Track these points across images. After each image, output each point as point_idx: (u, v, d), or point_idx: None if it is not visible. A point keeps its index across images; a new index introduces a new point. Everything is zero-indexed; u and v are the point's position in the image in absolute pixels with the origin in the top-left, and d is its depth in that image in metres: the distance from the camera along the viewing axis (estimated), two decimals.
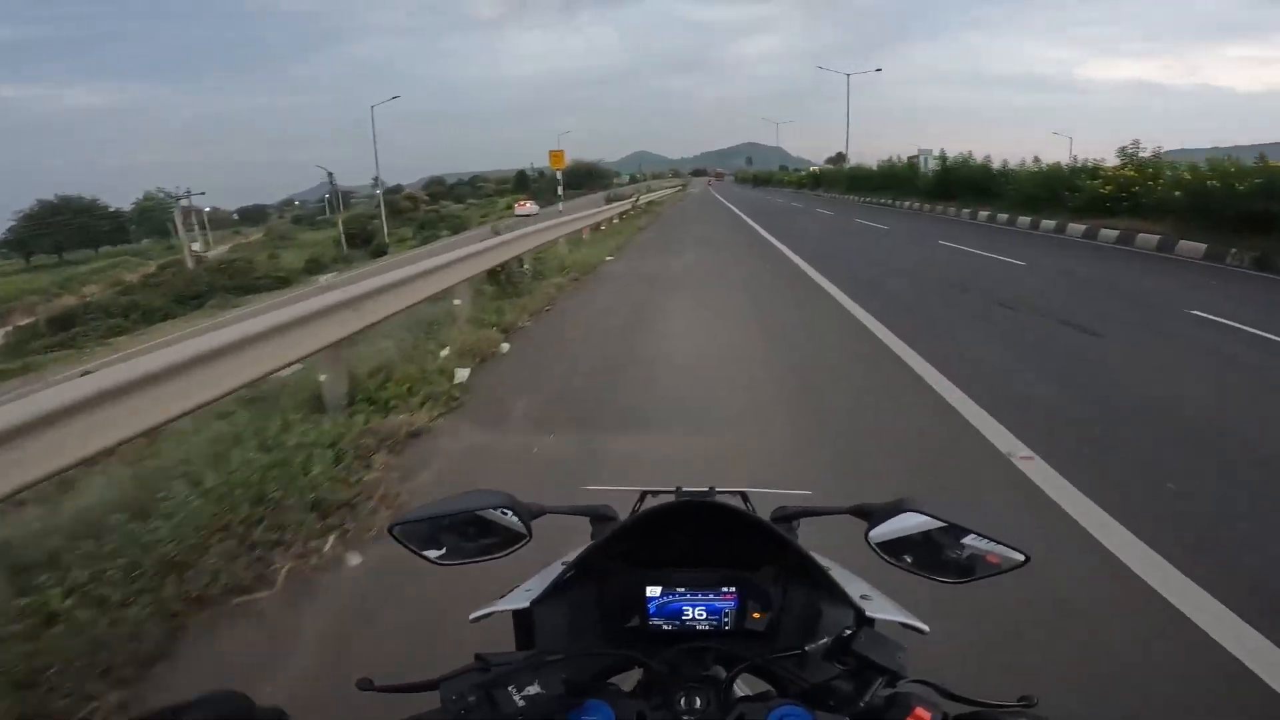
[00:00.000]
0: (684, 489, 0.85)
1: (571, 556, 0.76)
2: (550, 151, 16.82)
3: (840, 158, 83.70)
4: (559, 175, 17.34)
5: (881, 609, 0.69)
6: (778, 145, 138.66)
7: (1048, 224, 15.58)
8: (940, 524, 0.67)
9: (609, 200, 21.83)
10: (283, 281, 27.30)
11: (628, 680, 0.71)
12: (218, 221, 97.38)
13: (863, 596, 0.70)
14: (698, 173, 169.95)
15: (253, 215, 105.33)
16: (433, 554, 0.74)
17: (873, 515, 0.71)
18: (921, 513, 0.68)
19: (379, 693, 0.59)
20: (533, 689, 0.58)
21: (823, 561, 0.73)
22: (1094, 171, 15.80)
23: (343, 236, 45.43)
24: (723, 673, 0.66)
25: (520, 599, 0.73)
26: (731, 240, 14.44)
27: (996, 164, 21.46)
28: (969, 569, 0.68)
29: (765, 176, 76.86)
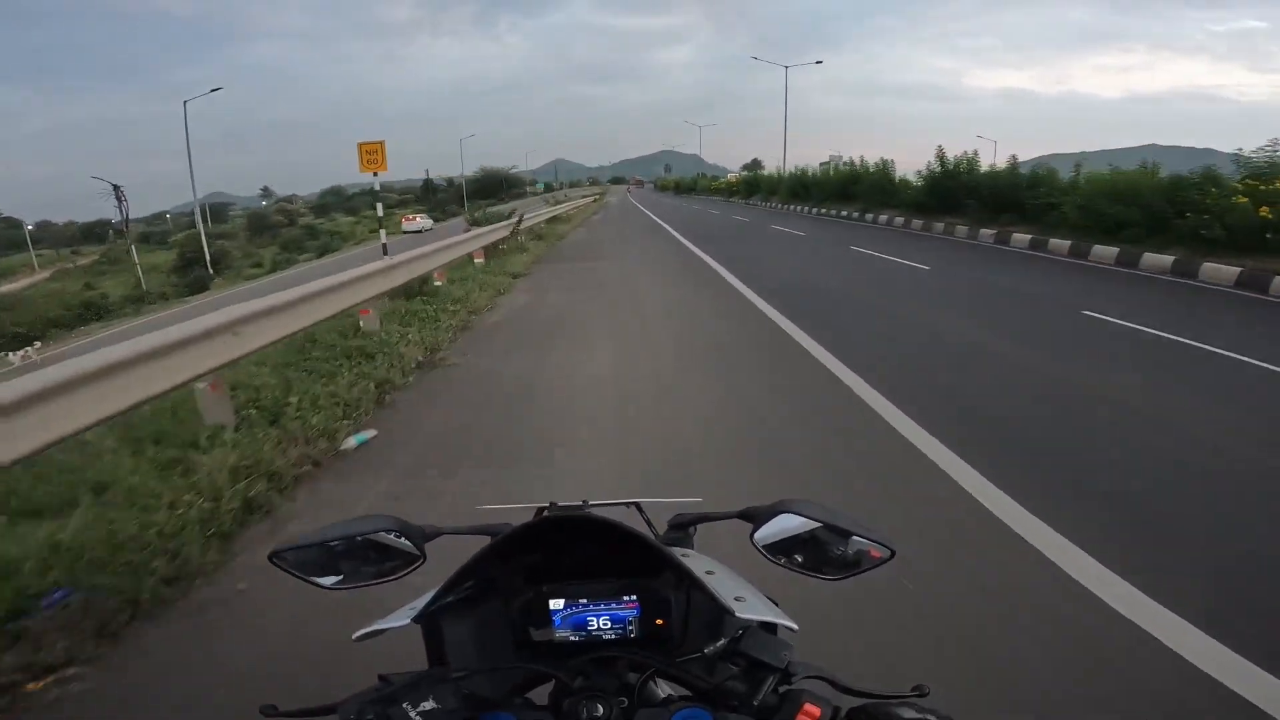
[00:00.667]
0: (558, 504, 0.87)
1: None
2: (360, 145, 9.59)
3: (756, 164, 79.96)
4: (377, 184, 9.99)
5: (752, 610, 0.69)
6: (695, 153, 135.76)
7: (1155, 261, 9.95)
8: (817, 524, 0.73)
9: (475, 224, 14.47)
10: (19, 341, 18.32)
11: (542, 696, 0.70)
12: (64, 239, 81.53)
13: (737, 599, 0.70)
14: (616, 180, 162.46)
15: (99, 232, 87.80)
16: (327, 580, 0.74)
17: (756, 518, 0.76)
18: (796, 513, 0.73)
19: (281, 718, 0.60)
20: (428, 704, 0.59)
21: (707, 565, 0.77)
22: (1220, 183, 10.29)
23: (140, 271, 35.81)
24: (635, 679, 0.67)
25: (404, 617, 0.72)
26: (681, 301, 7.68)
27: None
28: (849, 564, 0.74)
29: (690, 183, 66.21)
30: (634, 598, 0.73)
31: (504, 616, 0.75)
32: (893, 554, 0.72)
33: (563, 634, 0.73)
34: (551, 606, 0.72)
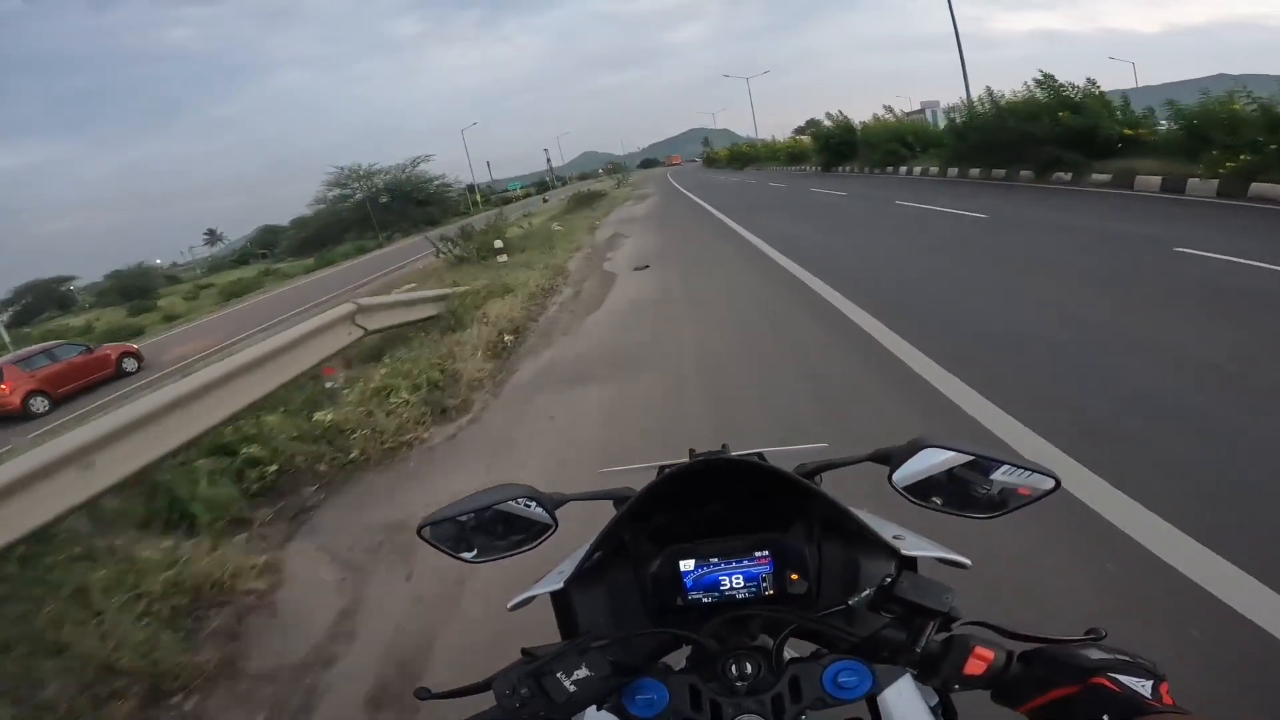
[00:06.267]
0: (698, 452, 0.83)
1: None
2: None
3: (812, 124, 65.32)
4: None
5: (918, 547, 0.68)
6: (726, 127, 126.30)
7: None
8: (966, 457, 0.66)
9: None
10: None
11: (679, 659, 0.70)
12: None
13: (895, 537, 0.69)
14: (648, 163, 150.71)
15: None
16: (466, 555, 0.75)
17: (892, 458, 0.69)
18: (941, 447, 0.67)
19: (437, 699, 0.61)
20: (581, 672, 0.59)
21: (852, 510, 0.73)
22: None
23: None
24: (770, 640, 0.65)
25: (554, 581, 0.73)
26: None
27: None
28: (999, 503, 0.67)
29: (839, 140, 24.60)
30: (766, 553, 0.70)
31: (633, 582, 0.74)
32: (1057, 484, 0.64)
33: (695, 596, 0.71)
34: (682, 568, 0.71)
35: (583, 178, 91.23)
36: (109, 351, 14.50)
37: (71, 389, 13.01)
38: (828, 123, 25.58)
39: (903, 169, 19.48)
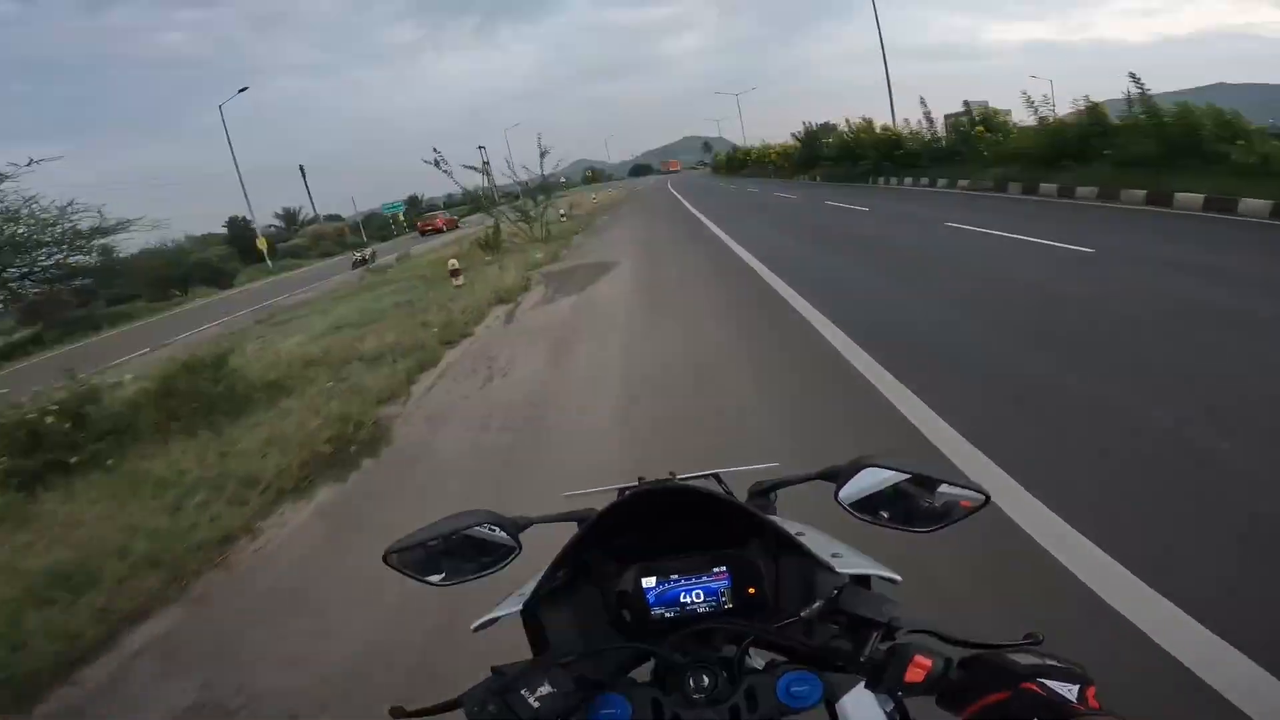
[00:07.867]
0: (644, 480, 0.90)
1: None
2: None
3: (825, 129, 53.17)
4: None
5: (851, 565, 0.72)
6: (719, 135, 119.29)
7: None
8: (904, 475, 0.69)
9: None
10: None
11: (646, 674, 0.72)
12: None
13: (833, 555, 0.73)
14: (640, 170, 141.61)
15: None
16: (434, 578, 0.77)
17: (838, 476, 0.73)
18: (880, 466, 0.70)
19: (411, 717, 0.63)
20: (544, 689, 0.61)
21: (797, 528, 0.78)
22: None
23: None
24: (734, 650, 0.68)
25: (515, 603, 0.77)
26: None
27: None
28: (939, 516, 0.70)
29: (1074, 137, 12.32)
30: (724, 569, 0.72)
31: (600, 600, 0.76)
32: (987, 500, 0.69)
33: (658, 611, 0.72)
34: (644, 585, 0.72)
35: (542, 189, 79.70)
36: (453, 219, 40.65)
37: (447, 227, 38.50)
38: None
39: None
